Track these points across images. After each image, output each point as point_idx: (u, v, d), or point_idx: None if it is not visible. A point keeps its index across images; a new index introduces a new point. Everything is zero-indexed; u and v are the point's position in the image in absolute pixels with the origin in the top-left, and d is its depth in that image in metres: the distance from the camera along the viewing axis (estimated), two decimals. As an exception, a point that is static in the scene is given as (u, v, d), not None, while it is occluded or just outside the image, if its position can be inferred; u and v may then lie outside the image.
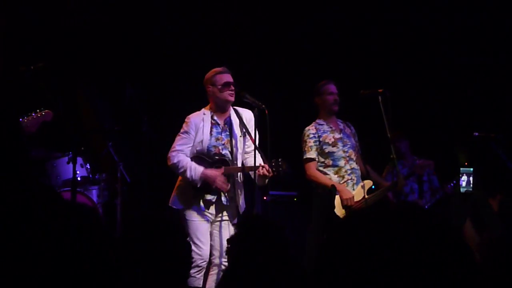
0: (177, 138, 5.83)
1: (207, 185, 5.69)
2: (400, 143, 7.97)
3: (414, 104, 8.45)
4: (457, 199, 7.12)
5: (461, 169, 6.70)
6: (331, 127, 6.58)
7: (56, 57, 7.99)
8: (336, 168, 6.46)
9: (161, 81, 8.89)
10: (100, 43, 8.64)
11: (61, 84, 7.90)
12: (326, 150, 6.49)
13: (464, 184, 6.71)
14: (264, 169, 5.58)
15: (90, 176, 7.49)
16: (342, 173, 6.45)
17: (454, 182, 7.26)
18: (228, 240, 3.06)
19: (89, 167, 7.51)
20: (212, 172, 5.67)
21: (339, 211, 6.29)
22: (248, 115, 5.91)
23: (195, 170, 5.67)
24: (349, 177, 6.45)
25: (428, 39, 8.53)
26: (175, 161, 5.72)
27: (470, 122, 7.79)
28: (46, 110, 5.77)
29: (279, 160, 5.65)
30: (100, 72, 8.70)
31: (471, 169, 6.77)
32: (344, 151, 6.51)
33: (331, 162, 6.47)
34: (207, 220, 5.74)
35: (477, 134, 7.00)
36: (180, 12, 8.89)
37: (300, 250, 7.77)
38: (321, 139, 6.51)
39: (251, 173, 5.73)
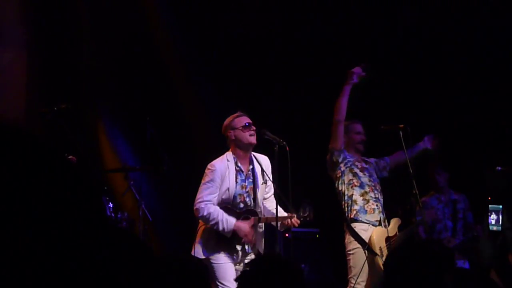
0: (203, 187, 5.62)
1: (233, 236, 5.59)
2: (440, 175, 7.63)
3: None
4: (485, 238, 6.97)
5: (489, 206, 6.49)
6: (356, 159, 6.55)
7: (78, 97, 8.07)
8: (362, 191, 6.35)
9: (182, 120, 8.94)
10: (121, 83, 8.72)
11: (82, 124, 7.98)
12: (354, 170, 6.42)
13: (493, 222, 6.49)
14: (292, 220, 5.62)
15: (113, 215, 7.51)
16: (368, 197, 6.34)
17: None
18: (236, 279, 2.92)
19: (111, 206, 7.53)
20: (245, 227, 5.57)
21: (380, 243, 6.20)
22: (265, 162, 5.88)
23: (227, 222, 5.52)
24: (375, 204, 6.34)
25: (449, 72, 8.52)
26: (205, 213, 5.53)
27: (491, 157, 7.71)
28: (70, 156, 5.81)
29: (306, 209, 5.69)
30: (121, 111, 8.77)
31: (500, 206, 6.56)
32: (370, 180, 6.45)
33: (358, 183, 6.37)
34: (233, 263, 5.63)
35: (500, 168, 6.89)
36: (201, 50, 8.98)
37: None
38: (349, 159, 6.45)
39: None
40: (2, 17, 7.98)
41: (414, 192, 6.29)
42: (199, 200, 5.58)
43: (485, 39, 8.36)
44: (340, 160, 6.42)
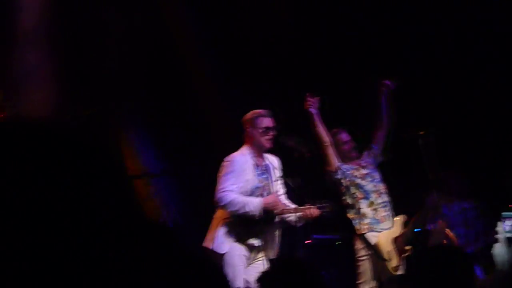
0: (223, 178, 5.58)
1: (252, 227, 5.56)
2: (456, 182, 7.50)
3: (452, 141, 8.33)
4: (501, 244, 6.97)
5: (503, 213, 6.52)
6: (354, 167, 6.46)
7: (101, 102, 8.13)
8: (368, 201, 6.28)
9: (205, 124, 8.98)
10: (142, 87, 8.77)
11: (105, 129, 8.03)
12: (356, 181, 6.33)
13: (508, 228, 6.52)
14: (311, 209, 5.62)
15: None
16: (375, 206, 6.28)
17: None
18: (259, 279, 2.95)
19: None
20: (270, 198, 5.58)
21: (387, 247, 6.20)
22: (276, 161, 5.91)
23: (253, 202, 5.49)
24: (384, 211, 6.29)
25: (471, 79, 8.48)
26: (230, 199, 5.47)
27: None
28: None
29: (323, 200, 5.71)
30: (143, 116, 8.82)
31: None
32: (374, 185, 6.37)
33: (363, 195, 6.30)
34: (248, 263, 5.60)
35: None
36: (225, 54, 9.01)
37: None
38: (348, 172, 6.37)
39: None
40: (28, 18, 8.05)
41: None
42: (221, 190, 5.52)
43: (503, 42, 8.30)
44: (339, 177, 6.35)
